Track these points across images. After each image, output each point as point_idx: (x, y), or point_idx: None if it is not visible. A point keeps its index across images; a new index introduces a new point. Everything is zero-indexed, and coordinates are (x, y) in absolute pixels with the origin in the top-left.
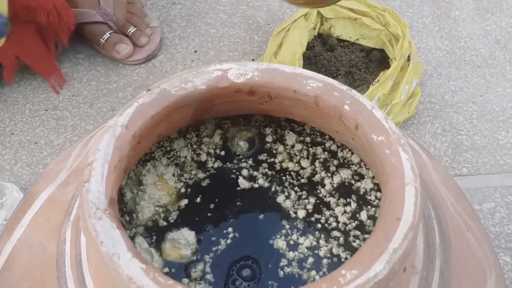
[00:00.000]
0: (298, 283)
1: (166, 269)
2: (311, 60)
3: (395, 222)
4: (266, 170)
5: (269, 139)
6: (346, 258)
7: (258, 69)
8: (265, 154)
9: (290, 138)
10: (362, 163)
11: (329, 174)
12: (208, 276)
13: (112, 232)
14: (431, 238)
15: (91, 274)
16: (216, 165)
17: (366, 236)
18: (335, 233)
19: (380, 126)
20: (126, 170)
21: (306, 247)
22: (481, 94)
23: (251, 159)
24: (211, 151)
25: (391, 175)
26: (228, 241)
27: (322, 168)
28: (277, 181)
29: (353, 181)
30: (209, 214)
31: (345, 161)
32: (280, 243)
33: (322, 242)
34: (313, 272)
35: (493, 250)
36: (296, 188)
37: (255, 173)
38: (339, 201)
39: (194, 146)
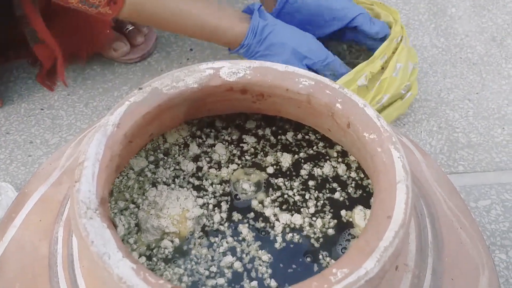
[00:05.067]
0: None
1: None
2: None
3: (386, 220)
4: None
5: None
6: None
7: (250, 67)
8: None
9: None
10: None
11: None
12: None
13: (103, 231)
14: (423, 236)
15: (82, 274)
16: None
17: None
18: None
19: (372, 124)
20: (117, 169)
21: None
22: (477, 91)
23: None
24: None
25: (383, 173)
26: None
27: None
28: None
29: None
30: None
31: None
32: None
33: None
34: None
35: (486, 247)
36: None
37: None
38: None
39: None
